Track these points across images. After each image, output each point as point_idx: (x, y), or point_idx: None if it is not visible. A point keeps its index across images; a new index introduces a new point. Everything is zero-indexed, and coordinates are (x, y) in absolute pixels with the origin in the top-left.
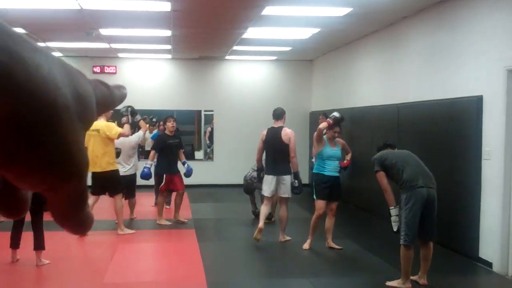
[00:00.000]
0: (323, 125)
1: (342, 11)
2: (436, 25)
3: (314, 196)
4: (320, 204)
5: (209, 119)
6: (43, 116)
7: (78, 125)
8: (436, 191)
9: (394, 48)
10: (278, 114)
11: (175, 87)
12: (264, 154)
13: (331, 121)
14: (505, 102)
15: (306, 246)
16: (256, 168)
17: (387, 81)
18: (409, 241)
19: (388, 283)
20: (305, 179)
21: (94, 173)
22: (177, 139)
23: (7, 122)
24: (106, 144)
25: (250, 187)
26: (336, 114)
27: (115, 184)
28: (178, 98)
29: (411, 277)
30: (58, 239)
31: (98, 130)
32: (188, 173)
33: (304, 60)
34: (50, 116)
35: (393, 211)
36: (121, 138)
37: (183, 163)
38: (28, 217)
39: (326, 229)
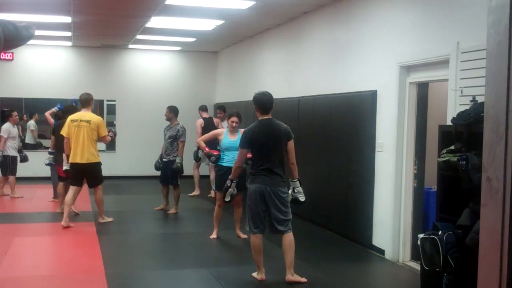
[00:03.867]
0: (201, 144)
1: (245, 4)
2: (334, 21)
3: (213, 187)
4: (218, 195)
5: (112, 109)
6: None
7: None
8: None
9: (296, 42)
10: None
11: (76, 76)
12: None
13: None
14: (397, 96)
15: (213, 236)
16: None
17: (289, 74)
18: None
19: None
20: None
21: (77, 164)
22: None
23: None
24: (94, 136)
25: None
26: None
27: (97, 175)
28: (79, 87)
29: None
30: None
31: (89, 122)
32: None
33: (208, 52)
34: None
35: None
36: (10, 129)
37: None
38: None
39: (235, 220)
